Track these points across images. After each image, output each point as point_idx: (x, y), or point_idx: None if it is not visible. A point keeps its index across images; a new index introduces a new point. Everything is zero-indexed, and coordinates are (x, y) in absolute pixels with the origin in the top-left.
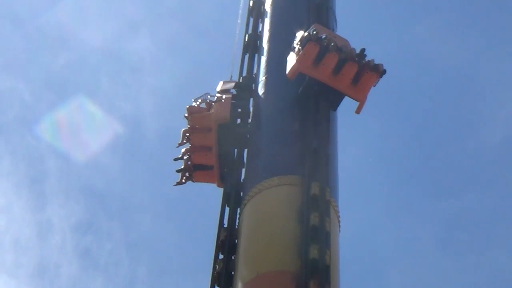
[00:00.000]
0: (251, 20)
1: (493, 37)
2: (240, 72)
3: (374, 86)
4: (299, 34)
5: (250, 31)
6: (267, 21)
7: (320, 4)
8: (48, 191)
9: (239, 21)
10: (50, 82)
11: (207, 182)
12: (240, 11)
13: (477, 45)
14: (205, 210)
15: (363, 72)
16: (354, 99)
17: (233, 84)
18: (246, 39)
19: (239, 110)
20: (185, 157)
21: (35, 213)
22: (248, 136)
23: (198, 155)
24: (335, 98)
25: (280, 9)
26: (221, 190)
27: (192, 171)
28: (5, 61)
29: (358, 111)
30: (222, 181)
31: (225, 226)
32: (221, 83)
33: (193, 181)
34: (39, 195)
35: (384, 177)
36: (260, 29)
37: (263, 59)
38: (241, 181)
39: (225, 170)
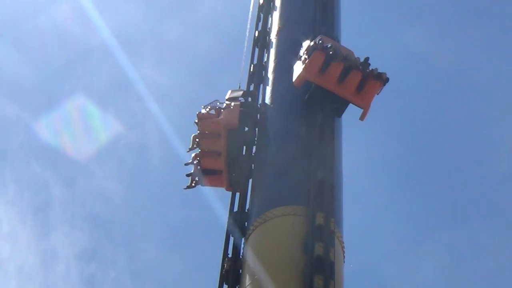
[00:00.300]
0: (256, 50)
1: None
2: None
3: (378, 94)
4: (305, 44)
5: (255, 61)
6: (272, 52)
7: (326, 34)
8: (53, 219)
9: (245, 50)
10: (56, 110)
11: (216, 186)
12: (245, 42)
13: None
14: (209, 239)
15: (367, 80)
16: (358, 106)
17: (241, 93)
18: (252, 69)
19: (247, 118)
20: (195, 162)
21: (40, 241)
22: (255, 141)
23: (207, 160)
24: (340, 105)
25: (286, 40)
26: (225, 215)
27: (202, 175)
28: (10, 88)
29: (362, 118)
30: (230, 185)
31: (230, 256)
32: (229, 91)
33: (202, 185)
34: (43, 223)
35: (389, 208)
36: (265, 59)
37: (268, 89)
38: (246, 210)
39: (233, 174)
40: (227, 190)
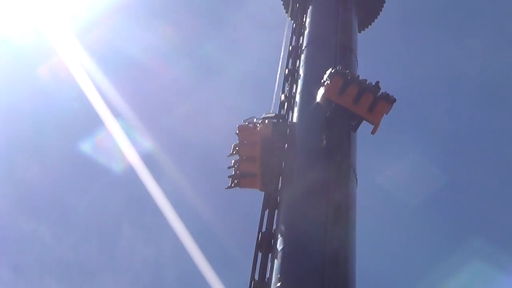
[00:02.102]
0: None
1: None
2: None
3: (387, 113)
4: (328, 71)
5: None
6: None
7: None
8: None
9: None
10: (72, 225)
11: (252, 187)
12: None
13: None
14: None
15: (377, 101)
16: (370, 123)
17: (273, 115)
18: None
19: (278, 131)
20: (235, 166)
21: None
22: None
23: (244, 165)
24: (355, 122)
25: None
26: None
27: (240, 178)
28: (28, 204)
29: (373, 132)
30: (263, 185)
31: None
32: (263, 114)
33: (240, 187)
34: None
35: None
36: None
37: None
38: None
39: (266, 178)
40: (260, 190)
